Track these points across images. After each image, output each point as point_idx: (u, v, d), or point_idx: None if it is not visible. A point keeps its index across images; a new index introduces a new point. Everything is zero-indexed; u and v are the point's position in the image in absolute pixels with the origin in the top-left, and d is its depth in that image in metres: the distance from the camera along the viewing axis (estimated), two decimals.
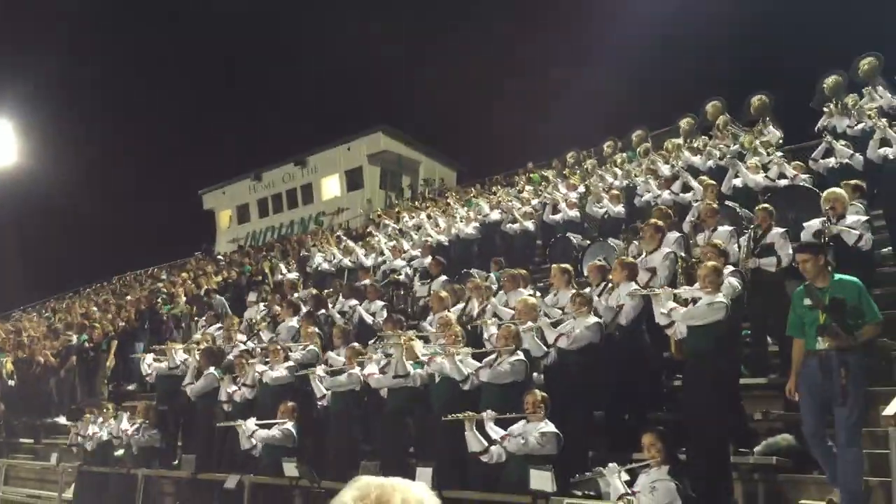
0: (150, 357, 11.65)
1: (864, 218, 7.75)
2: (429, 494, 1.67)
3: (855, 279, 5.93)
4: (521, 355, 7.37)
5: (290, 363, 9.54)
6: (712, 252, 7.48)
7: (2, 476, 12.47)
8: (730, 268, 7.41)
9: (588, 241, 11.70)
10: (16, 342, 19.31)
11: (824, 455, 5.74)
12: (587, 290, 8.36)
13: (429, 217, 17.38)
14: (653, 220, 8.88)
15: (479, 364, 7.59)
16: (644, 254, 8.56)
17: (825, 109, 12.27)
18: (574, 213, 13.37)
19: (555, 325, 7.71)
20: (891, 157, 9.92)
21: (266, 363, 9.69)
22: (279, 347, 9.70)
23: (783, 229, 8.07)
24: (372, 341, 9.61)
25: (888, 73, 12.33)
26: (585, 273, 9.89)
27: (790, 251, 7.80)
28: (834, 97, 12.31)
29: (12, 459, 14.15)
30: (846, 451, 5.53)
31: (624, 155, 15.91)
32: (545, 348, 7.57)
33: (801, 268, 5.99)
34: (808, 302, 5.87)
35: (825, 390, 5.60)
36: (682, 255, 8.34)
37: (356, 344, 9.14)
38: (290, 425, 8.57)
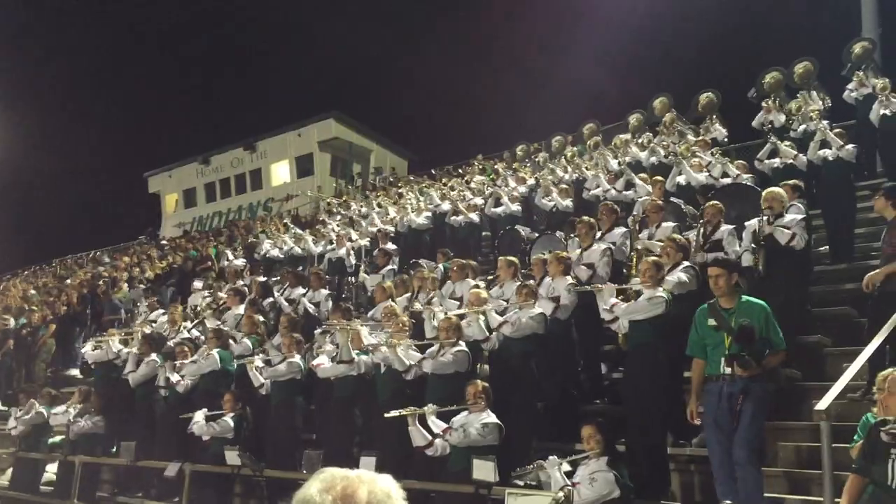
0: (89, 345, 11.44)
1: (800, 217, 7.94)
2: (395, 486, 1.65)
3: (762, 302, 5.77)
4: (463, 346, 7.42)
5: (219, 351, 9.43)
6: (671, 247, 7.56)
7: None
8: (685, 262, 7.51)
9: (536, 234, 11.79)
10: None
11: (728, 479, 5.55)
12: (532, 281, 8.44)
13: (379, 206, 17.34)
14: (586, 218, 9.09)
15: (421, 355, 7.62)
16: (580, 250, 8.72)
17: (763, 105, 12.54)
18: (516, 206, 13.48)
19: (501, 315, 7.78)
20: (830, 158, 10.24)
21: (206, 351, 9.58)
22: (213, 336, 9.60)
23: (731, 226, 8.25)
24: (319, 331, 9.56)
25: (821, 76, 12.67)
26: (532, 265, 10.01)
27: (738, 247, 7.99)
28: (772, 93, 12.58)
29: None
30: (746, 469, 5.43)
31: (574, 149, 16.06)
32: (487, 333, 7.64)
33: (713, 283, 5.81)
34: (712, 322, 5.73)
35: (730, 417, 5.49)
36: (637, 248, 8.48)
37: (295, 333, 9.08)
38: (229, 417, 8.48)
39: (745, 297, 5.79)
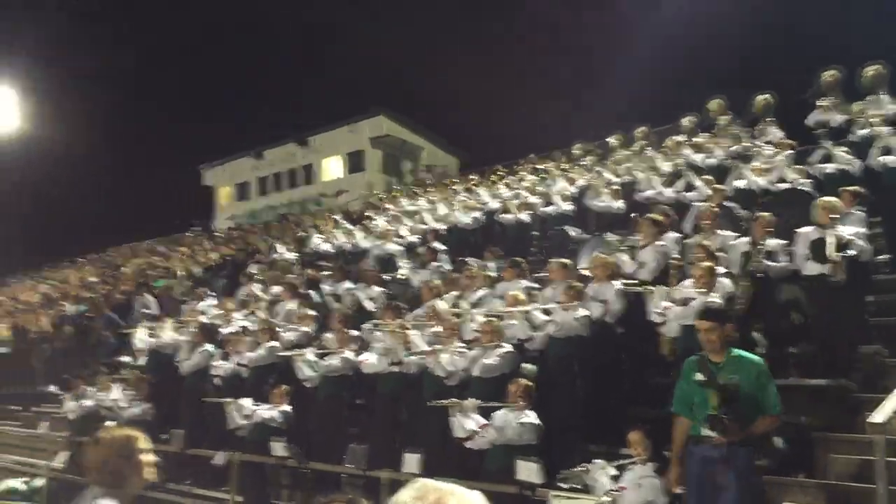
0: (142, 331, 11.68)
1: (860, 229, 7.74)
2: (483, 502, 1.70)
3: (757, 359, 5.23)
4: (508, 346, 7.40)
5: (274, 344, 9.56)
6: (703, 253, 7.49)
7: None
8: (721, 269, 7.41)
9: (586, 235, 11.69)
10: (12, 309, 19.36)
11: None
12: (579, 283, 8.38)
13: (429, 202, 17.38)
14: (650, 215, 8.89)
15: (466, 361, 7.61)
16: (638, 248, 8.61)
17: (819, 104, 12.23)
18: (568, 206, 13.37)
19: (548, 314, 7.74)
20: (891, 164, 9.92)
21: (256, 343, 9.74)
22: (266, 328, 9.74)
23: (783, 242, 8.06)
24: (367, 326, 9.63)
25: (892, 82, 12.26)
26: (582, 267, 9.93)
27: (788, 255, 7.82)
28: (829, 92, 12.25)
29: (2, 426, 14.19)
30: None
31: (626, 151, 15.89)
32: (530, 332, 7.60)
33: (703, 338, 5.21)
34: (699, 377, 5.09)
35: (711, 489, 4.97)
36: (675, 255, 8.35)
37: (348, 329, 9.17)
38: (284, 406, 8.61)
39: (736, 352, 5.19)
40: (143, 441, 3.08)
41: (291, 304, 11.25)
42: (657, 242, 8.46)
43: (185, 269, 18.53)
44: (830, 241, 7.53)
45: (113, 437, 3.08)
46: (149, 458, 3.08)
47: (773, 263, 7.77)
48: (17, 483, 11.54)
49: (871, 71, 12.07)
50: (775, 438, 6.72)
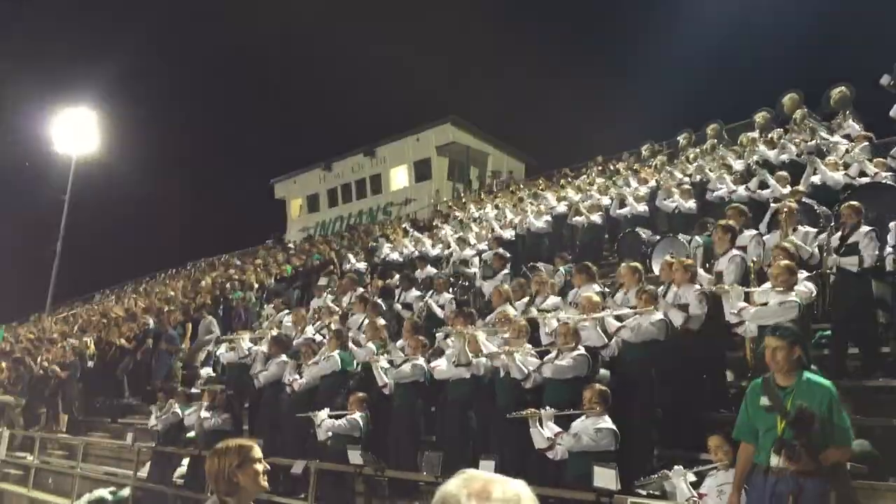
0: (223, 347, 11.96)
1: None
2: (525, 490, 1.83)
3: (827, 383, 4.79)
4: (582, 350, 7.33)
5: (335, 353, 9.67)
6: (782, 254, 7.28)
7: (80, 453, 12.95)
8: (804, 273, 7.18)
9: (657, 237, 11.50)
10: (99, 324, 20.07)
11: None
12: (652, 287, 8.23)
13: (496, 209, 17.37)
14: (722, 221, 8.68)
15: (539, 361, 7.57)
16: (716, 257, 8.39)
17: None
18: (642, 207, 13.20)
19: (620, 320, 7.63)
20: None
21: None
22: (334, 338, 9.88)
23: (870, 228, 7.79)
24: (439, 333, 9.66)
25: None
26: (655, 270, 9.78)
27: (875, 251, 7.55)
28: None
29: (90, 437, 14.71)
30: None
31: (696, 150, 15.60)
32: (605, 339, 7.51)
33: (769, 356, 4.81)
34: (765, 402, 4.77)
35: None
36: (753, 258, 8.12)
37: (419, 336, 9.21)
38: (357, 416, 8.69)
39: (807, 375, 4.77)
40: (257, 451, 3.27)
41: (362, 315, 11.37)
42: (732, 252, 8.23)
43: (259, 282, 18.92)
44: (892, 236, 7.25)
45: (228, 448, 3.25)
46: (263, 466, 3.27)
47: (853, 258, 7.51)
48: (105, 493, 11.96)
49: None
50: (861, 442, 6.48)
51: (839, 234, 7.86)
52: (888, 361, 7.58)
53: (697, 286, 7.71)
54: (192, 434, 11.10)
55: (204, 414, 10.45)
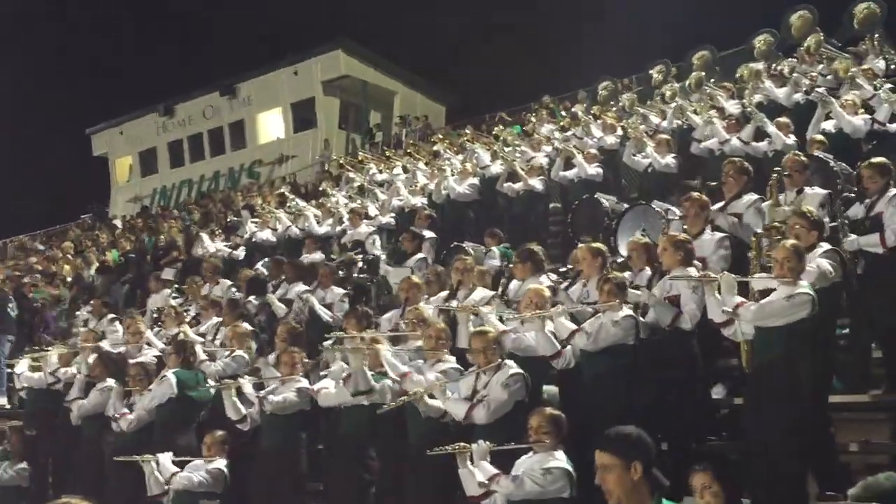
0: (24, 364, 11.64)
1: None
2: None
3: None
4: (513, 368, 7.40)
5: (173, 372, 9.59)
6: (800, 224, 7.48)
7: None
8: (824, 245, 7.41)
9: (625, 205, 11.71)
10: None
11: None
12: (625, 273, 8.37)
13: (405, 170, 17.39)
14: (695, 195, 8.88)
15: (457, 406, 7.60)
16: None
17: None
18: (595, 169, 13.37)
19: (576, 321, 7.76)
20: None
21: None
22: (170, 351, 9.81)
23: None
24: (327, 343, 9.65)
25: None
26: (623, 251, 9.94)
27: None
28: None
29: None
30: None
31: (676, 86, 15.89)
32: (557, 346, 7.63)
33: (600, 479, 4.36)
34: None
35: None
36: (756, 232, 8.32)
37: (297, 347, 9.17)
38: (219, 462, 8.58)
39: None
40: None
41: (218, 319, 11.27)
42: (713, 234, 8.46)
43: (73, 274, 18.50)
44: None
45: None
46: None
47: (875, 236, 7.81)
48: None
49: None
50: (892, 473, 6.78)
51: (858, 203, 8.11)
52: None
53: (693, 270, 7.70)
54: None
55: None
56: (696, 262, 8.07)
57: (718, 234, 8.47)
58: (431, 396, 7.58)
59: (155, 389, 9.50)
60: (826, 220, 8.33)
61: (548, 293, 8.20)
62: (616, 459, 4.30)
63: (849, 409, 7.75)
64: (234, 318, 10.81)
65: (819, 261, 7.18)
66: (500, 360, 7.47)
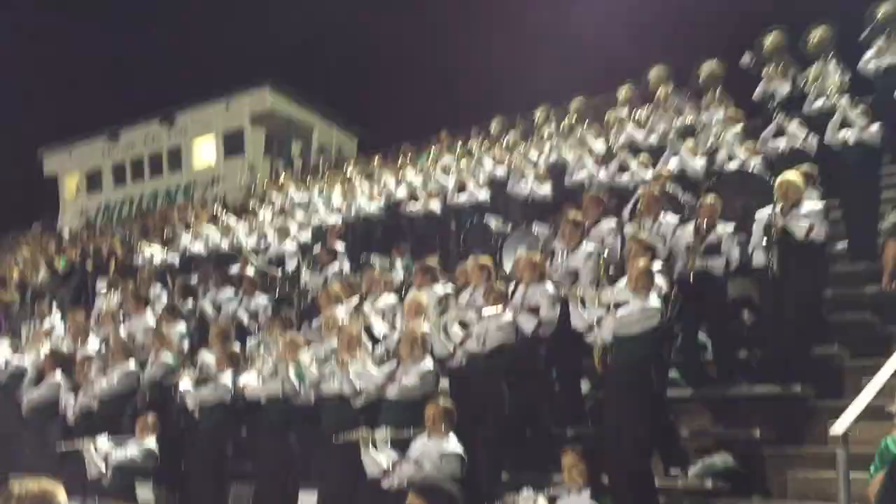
0: None
1: (819, 207, 8.07)
2: None
3: None
4: (430, 364, 7.46)
5: (129, 368, 9.42)
6: (637, 247, 7.73)
7: None
8: (658, 264, 7.64)
9: (509, 227, 11.87)
10: None
11: None
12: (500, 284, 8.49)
13: (320, 192, 17.33)
14: (571, 215, 9.10)
15: (376, 374, 7.64)
16: (564, 253, 8.79)
17: (764, 71, 12.61)
18: (484, 194, 13.53)
19: (464, 325, 7.85)
20: (851, 141, 10.26)
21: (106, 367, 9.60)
22: (120, 349, 9.61)
23: (731, 225, 8.35)
24: (252, 343, 9.59)
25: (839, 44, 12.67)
26: (506, 266, 10.08)
27: (737, 253, 8.13)
28: (774, 59, 12.66)
29: None
30: None
31: (553, 128, 16.11)
32: (450, 348, 7.70)
33: None
34: None
35: None
36: (605, 253, 8.56)
37: (228, 345, 9.09)
38: (150, 442, 8.44)
39: None
40: (63, 496, 3.06)
41: (148, 320, 11.08)
42: (586, 246, 8.67)
43: (23, 277, 17.98)
44: (757, 227, 7.86)
45: (28, 492, 2.99)
46: None
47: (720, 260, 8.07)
48: None
49: (815, 35, 12.48)
50: (723, 455, 7.01)
51: (696, 230, 8.34)
52: (752, 366, 8.19)
53: (549, 286, 8.02)
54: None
55: None
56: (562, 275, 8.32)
57: (589, 247, 8.69)
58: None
59: (105, 384, 9.31)
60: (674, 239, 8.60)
61: (424, 301, 8.28)
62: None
63: (683, 401, 7.99)
64: (167, 318, 10.69)
65: (658, 278, 7.39)
66: (421, 354, 7.52)
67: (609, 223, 9.33)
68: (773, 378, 7.56)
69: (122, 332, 10.89)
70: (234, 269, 13.59)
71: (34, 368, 10.30)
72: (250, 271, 12.88)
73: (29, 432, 10.00)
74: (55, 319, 13.04)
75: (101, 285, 14.79)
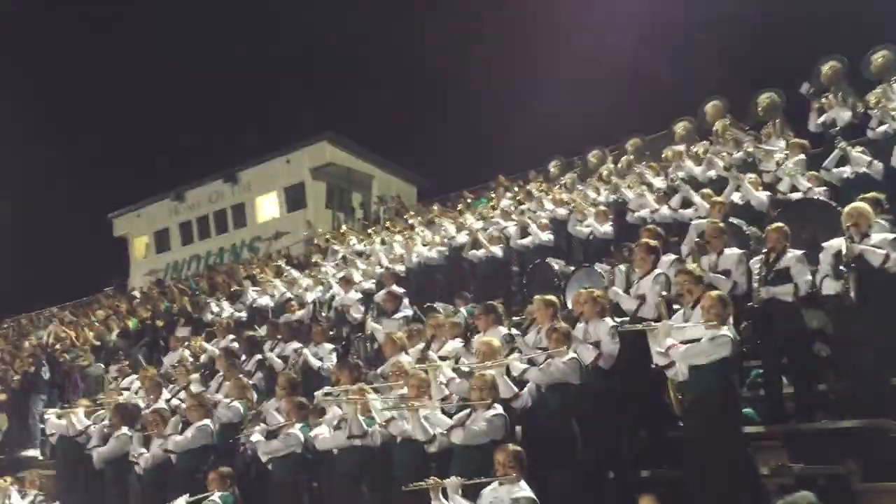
0: (52, 414, 11.43)
1: (892, 236, 7.88)
2: None
3: None
4: (499, 409, 7.36)
5: (205, 423, 9.45)
6: (687, 279, 7.64)
7: None
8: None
9: (571, 268, 11.78)
10: None
11: None
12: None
13: (382, 242, 17.41)
14: (644, 240, 9.03)
15: (448, 420, 7.57)
16: (636, 279, 8.69)
17: (823, 100, 12.41)
18: (547, 235, 13.48)
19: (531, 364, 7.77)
20: None
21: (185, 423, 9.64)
22: (195, 404, 9.65)
23: (800, 251, 8.19)
24: (321, 392, 9.58)
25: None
26: (570, 305, 9.98)
27: (809, 277, 7.94)
28: (832, 86, 12.47)
29: None
30: None
31: (611, 166, 16.07)
32: (515, 389, 7.61)
33: None
34: None
35: None
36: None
37: (297, 397, 9.10)
38: (217, 496, 8.42)
39: None
40: None
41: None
42: (656, 272, 8.55)
43: (99, 339, 18.27)
44: (825, 256, 7.69)
45: None
46: None
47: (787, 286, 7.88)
48: None
49: (879, 58, 12.29)
50: (805, 494, 6.77)
51: (765, 259, 8.19)
52: (831, 400, 7.96)
53: (609, 320, 8.02)
54: None
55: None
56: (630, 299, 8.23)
57: (657, 272, 8.57)
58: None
59: (180, 438, 9.36)
60: (742, 275, 8.46)
61: (497, 344, 8.18)
62: None
63: (763, 437, 7.78)
64: (234, 373, 10.72)
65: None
66: (491, 400, 7.44)
67: (668, 258, 9.21)
68: (855, 411, 7.33)
69: (194, 388, 10.97)
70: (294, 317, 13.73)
71: (105, 425, 10.37)
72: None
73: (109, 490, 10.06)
74: (130, 380, 13.19)
75: (182, 332, 14.98)
